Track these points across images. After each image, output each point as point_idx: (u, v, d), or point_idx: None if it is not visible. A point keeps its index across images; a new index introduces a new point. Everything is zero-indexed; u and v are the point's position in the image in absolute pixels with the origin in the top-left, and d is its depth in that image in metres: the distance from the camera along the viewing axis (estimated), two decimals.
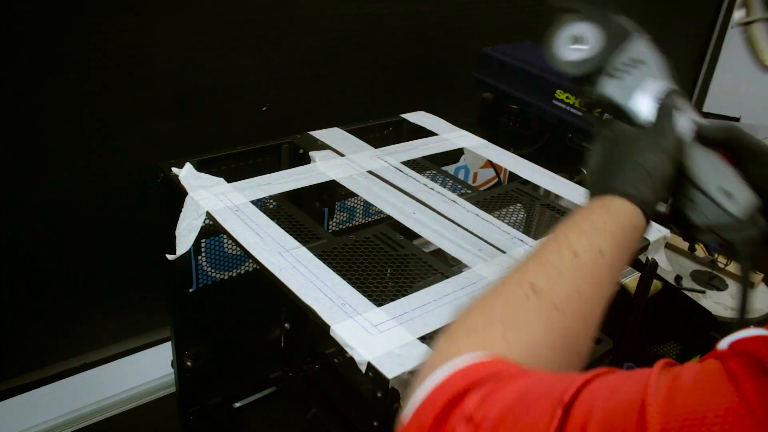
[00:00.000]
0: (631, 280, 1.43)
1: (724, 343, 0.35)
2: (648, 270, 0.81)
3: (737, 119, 1.74)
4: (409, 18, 1.26)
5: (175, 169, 0.82)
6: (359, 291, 0.62)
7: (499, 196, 0.88)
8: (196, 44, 1.03)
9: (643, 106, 0.59)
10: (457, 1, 1.32)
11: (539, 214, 0.87)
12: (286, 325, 1.16)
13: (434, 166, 0.94)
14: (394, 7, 1.23)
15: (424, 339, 0.57)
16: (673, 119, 0.57)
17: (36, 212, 0.99)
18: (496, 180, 1.25)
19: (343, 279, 0.64)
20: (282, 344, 1.18)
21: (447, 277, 0.67)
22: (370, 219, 1.15)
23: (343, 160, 0.91)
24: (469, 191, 0.89)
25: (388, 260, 0.70)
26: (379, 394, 0.53)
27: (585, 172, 0.62)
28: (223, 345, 1.08)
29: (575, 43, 0.60)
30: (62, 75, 0.92)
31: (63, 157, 0.97)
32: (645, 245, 0.79)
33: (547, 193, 0.98)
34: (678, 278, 1.43)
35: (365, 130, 1.01)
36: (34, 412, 1.06)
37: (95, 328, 1.14)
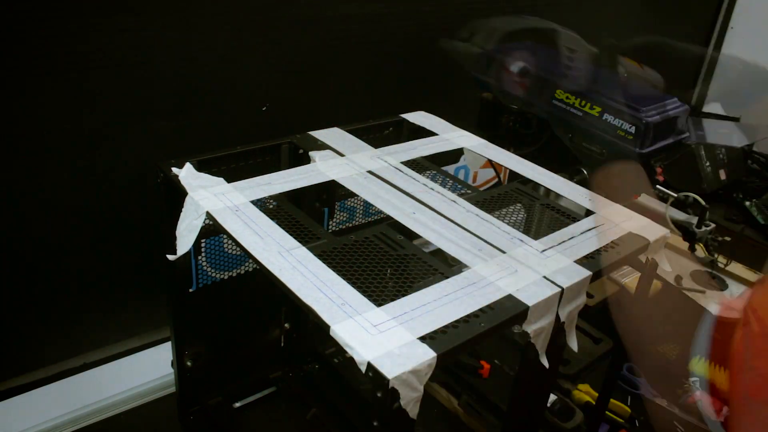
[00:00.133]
0: (631, 280, 1.43)
1: None
2: (648, 270, 0.81)
3: (737, 119, 1.74)
4: (409, 18, 1.26)
5: (175, 169, 0.82)
6: (359, 291, 0.62)
7: (499, 196, 0.88)
8: (196, 44, 1.03)
9: None
10: (457, 1, 1.32)
11: (539, 214, 0.87)
12: (286, 325, 1.16)
13: (434, 166, 0.94)
14: (394, 7, 1.23)
15: (423, 339, 0.57)
16: None
17: (36, 212, 0.99)
18: (496, 180, 1.25)
19: (343, 279, 0.64)
20: (282, 344, 1.18)
21: (447, 277, 0.67)
22: (370, 219, 1.15)
23: (343, 160, 0.91)
24: (469, 191, 0.89)
25: (388, 260, 0.70)
26: (379, 394, 0.53)
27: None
28: (223, 345, 1.08)
29: (521, 73, 0.70)
30: (62, 75, 0.92)
31: (63, 157, 0.97)
32: (645, 245, 0.79)
33: (547, 193, 0.99)
34: (678, 278, 1.43)
35: (365, 130, 1.01)
36: (34, 412, 1.06)
37: (95, 328, 1.14)
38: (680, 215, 0.87)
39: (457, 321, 0.60)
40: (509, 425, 0.87)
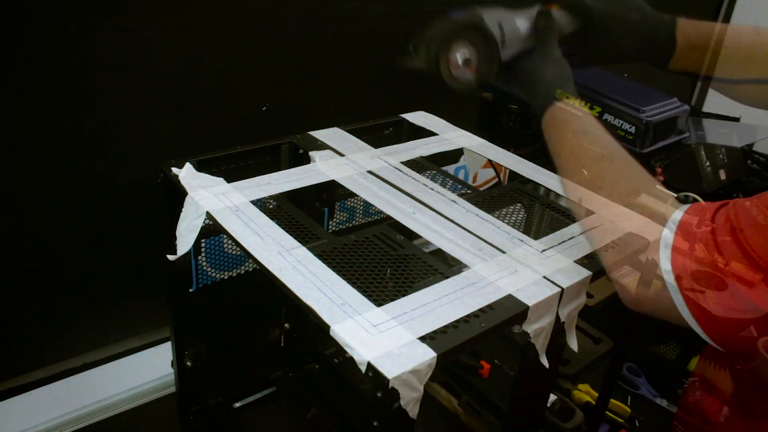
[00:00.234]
0: (631, 280, 1.43)
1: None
2: (648, 270, 0.80)
3: (737, 119, 1.74)
4: (409, 18, 1.26)
5: (175, 169, 0.82)
6: (359, 291, 0.63)
7: (499, 196, 0.88)
8: (196, 44, 1.03)
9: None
10: (457, 1, 1.32)
11: (539, 214, 0.87)
12: (286, 325, 1.16)
13: (434, 166, 0.94)
14: (394, 7, 1.23)
15: (423, 339, 0.57)
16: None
17: (36, 212, 0.99)
18: (496, 180, 1.25)
19: (343, 279, 0.64)
20: (282, 344, 1.18)
21: (447, 277, 0.67)
22: (370, 219, 1.15)
23: (343, 160, 0.91)
24: (469, 191, 0.89)
25: (388, 260, 0.70)
26: (379, 394, 0.53)
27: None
28: (223, 345, 1.08)
29: (464, 65, 0.76)
30: (62, 75, 0.92)
31: (63, 157, 0.97)
32: (645, 245, 0.79)
33: (547, 192, 0.99)
34: (658, 317, 1.43)
35: (365, 130, 1.01)
36: (34, 412, 1.06)
37: (95, 328, 1.14)
38: None
39: (457, 321, 0.60)
40: (509, 425, 0.87)
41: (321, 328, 0.58)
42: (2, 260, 0.99)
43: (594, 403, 1.19)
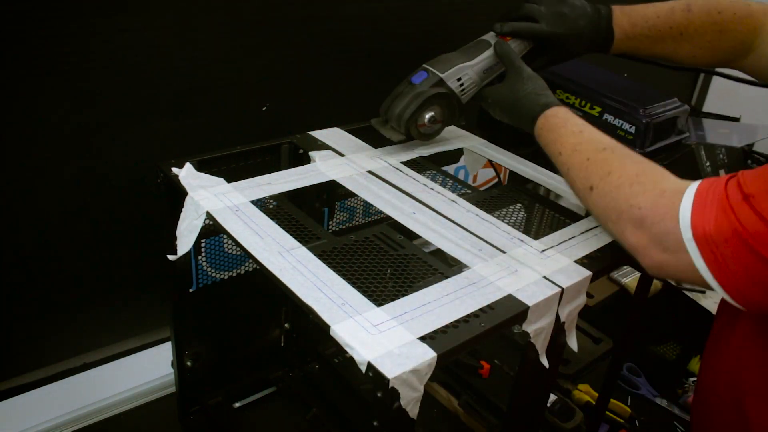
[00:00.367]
0: (631, 280, 1.43)
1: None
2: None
3: (737, 119, 1.74)
4: (409, 18, 1.26)
5: (175, 169, 0.82)
6: (359, 291, 0.63)
7: (499, 196, 0.88)
8: (196, 44, 1.03)
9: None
10: (457, 1, 1.32)
11: (539, 214, 0.88)
12: (286, 325, 1.16)
13: (434, 166, 0.94)
14: (394, 7, 1.23)
15: (424, 339, 0.57)
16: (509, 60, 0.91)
17: (36, 212, 0.99)
18: (496, 180, 1.25)
19: (343, 279, 0.64)
20: (282, 344, 1.18)
21: (447, 277, 0.67)
22: (369, 219, 1.15)
23: (343, 160, 0.91)
24: (469, 191, 0.89)
25: (388, 260, 0.70)
26: (379, 394, 0.53)
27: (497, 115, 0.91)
28: (223, 345, 1.08)
29: (432, 122, 0.92)
30: (62, 75, 0.92)
31: (62, 157, 0.97)
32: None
33: (547, 192, 0.99)
34: (682, 281, 1.43)
35: (365, 130, 1.01)
36: (34, 412, 1.06)
37: (95, 328, 1.14)
38: None
39: (457, 321, 0.60)
40: (509, 425, 0.87)
41: (321, 328, 0.58)
42: (2, 260, 0.99)
43: (594, 403, 1.20)
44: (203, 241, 0.96)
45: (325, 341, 1.16)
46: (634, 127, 0.93)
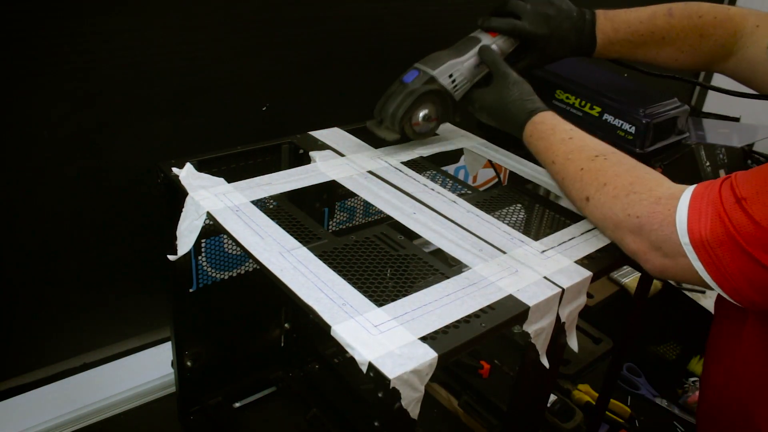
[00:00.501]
0: (631, 280, 1.44)
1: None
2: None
3: (737, 119, 1.74)
4: (409, 18, 1.26)
5: (175, 170, 0.82)
6: (360, 291, 0.63)
7: (499, 196, 0.88)
8: (196, 44, 1.03)
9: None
10: (457, 1, 1.32)
11: (539, 215, 0.87)
12: (286, 325, 1.16)
13: (434, 166, 0.94)
14: (394, 7, 1.23)
15: (424, 339, 0.57)
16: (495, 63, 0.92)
17: (36, 212, 0.98)
18: (496, 180, 1.25)
19: (344, 279, 0.64)
20: (282, 344, 1.18)
21: (447, 278, 0.67)
22: (370, 219, 1.15)
23: (343, 160, 0.91)
24: (469, 191, 0.89)
25: (388, 260, 0.70)
26: (380, 394, 0.53)
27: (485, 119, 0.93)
28: (223, 345, 1.08)
29: (426, 120, 0.91)
30: (62, 75, 0.92)
31: (62, 157, 0.97)
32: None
33: (548, 193, 0.99)
34: (684, 283, 1.43)
35: (365, 130, 1.01)
36: (34, 412, 1.06)
37: (95, 328, 1.14)
38: None
39: (457, 321, 0.60)
40: (509, 425, 0.87)
41: (321, 328, 0.58)
42: (2, 260, 0.99)
43: (594, 403, 1.20)
44: (203, 241, 0.96)
45: (325, 341, 1.16)
46: (634, 127, 0.93)
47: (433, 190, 0.85)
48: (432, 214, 0.79)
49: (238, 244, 0.69)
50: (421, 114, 0.90)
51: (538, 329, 0.66)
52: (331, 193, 1.06)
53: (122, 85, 0.98)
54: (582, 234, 0.78)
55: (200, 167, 0.84)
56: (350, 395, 1.11)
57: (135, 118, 1.01)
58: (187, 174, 0.81)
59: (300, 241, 0.70)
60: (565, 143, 0.79)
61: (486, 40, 0.93)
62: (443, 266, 0.69)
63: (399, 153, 0.94)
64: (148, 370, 1.16)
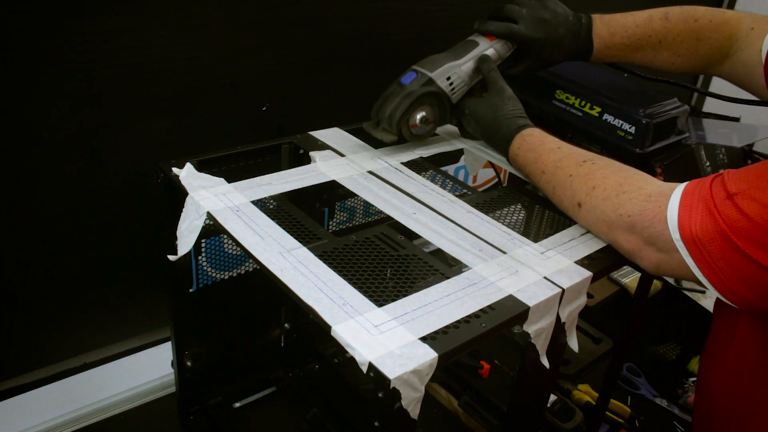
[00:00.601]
0: (631, 280, 1.44)
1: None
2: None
3: (737, 119, 1.74)
4: (409, 18, 1.26)
5: (175, 170, 0.82)
6: (360, 291, 0.63)
7: (499, 196, 0.88)
8: (196, 44, 1.03)
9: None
10: (458, 1, 1.32)
11: (539, 215, 0.88)
12: (286, 325, 1.16)
13: (434, 166, 0.94)
14: (394, 7, 1.23)
15: (425, 339, 0.57)
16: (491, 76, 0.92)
17: (36, 211, 0.99)
18: (496, 180, 1.25)
19: (344, 279, 0.64)
20: (282, 344, 1.18)
21: (447, 278, 0.67)
22: (369, 219, 1.15)
23: (344, 160, 0.91)
24: (469, 192, 0.89)
25: (388, 260, 0.70)
26: (380, 395, 0.53)
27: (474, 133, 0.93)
28: (223, 345, 1.08)
29: (423, 122, 0.91)
30: (62, 75, 0.92)
31: (63, 157, 0.97)
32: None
33: None
34: (679, 279, 1.43)
35: (365, 131, 1.01)
36: (34, 412, 1.06)
37: (95, 328, 1.14)
38: None
39: (458, 321, 0.60)
40: (509, 425, 0.87)
41: (321, 328, 0.58)
42: (2, 260, 0.99)
43: (594, 403, 1.20)
44: (203, 241, 0.96)
45: (325, 341, 1.16)
46: (634, 127, 0.93)
47: (433, 190, 0.85)
48: (432, 214, 0.79)
49: (238, 244, 0.69)
50: (419, 116, 0.90)
51: (538, 329, 0.66)
52: (331, 193, 1.06)
53: (122, 85, 0.98)
54: (582, 235, 0.78)
55: (200, 167, 0.84)
56: (350, 395, 1.11)
57: (135, 118, 1.02)
58: (187, 174, 0.81)
59: (300, 241, 0.70)
60: (553, 152, 0.80)
61: (484, 44, 0.94)
62: (443, 266, 0.69)
63: (399, 153, 0.94)
64: (148, 370, 1.16)
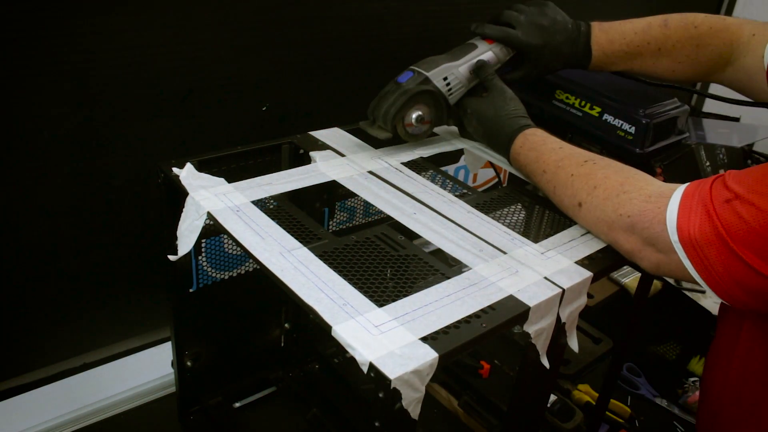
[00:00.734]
0: (631, 280, 1.44)
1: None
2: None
3: (737, 119, 1.74)
4: (409, 18, 1.26)
5: (175, 170, 0.82)
6: (360, 291, 0.63)
7: (499, 197, 0.88)
8: (197, 44, 1.03)
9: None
10: (458, 2, 1.32)
11: (539, 215, 0.88)
12: (286, 325, 1.16)
13: (434, 166, 0.94)
14: (394, 7, 1.23)
15: (425, 339, 0.57)
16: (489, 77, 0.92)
17: (36, 212, 0.98)
18: (496, 180, 1.25)
19: (345, 279, 0.64)
20: (282, 344, 1.18)
21: (448, 278, 0.67)
22: (369, 219, 1.15)
23: (344, 160, 0.91)
24: (470, 192, 0.89)
25: (389, 260, 0.70)
26: (380, 395, 0.53)
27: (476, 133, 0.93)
28: (223, 345, 1.08)
29: (419, 122, 0.91)
30: (62, 75, 0.92)
31: (62, 157, 0.97)
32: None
33: None
34: (678, 279, 1.43)
35: (361, 128, 1.01)
36: (34, 412, 1.06)
37: (95, 328, 1.14)
38: None
39: (458, 321, 0.60)
40: (509, 425, 0.87)
41: (321, 328, 0.58)
42: (2, 260, 0.99)
43: (594, 403, 1.20)
44: (203, 241, 0.96)
45: (325, 341, 1.16)
46: (634, 127, 0.93)
47: (433, 190, 0.85)
48: (432, 214, 0.79)
49: (238, 244, 0.69)
50: (414, 115, 0.90)
51: (538, 329, 0.66)
52: (332, 193, 1.06)
53: (122, 85, 0.98)
54: (582, 235, 0.78)
55: (200, 167, 0.84)
56: (350, 395, 1.11)
57: (135, 118, 1.02)
58: (187, 174, 0.81)
59: (300, 241, 0.70)
60: (555, 152, 0.80)
61: (483, 47, 0.94)
62: (443, 266, 0.69)
63: (399, 153, 0.94)
64: (148, 370, 1.16)
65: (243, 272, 1.04)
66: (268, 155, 0.96)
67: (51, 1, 0.88)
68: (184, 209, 0.77)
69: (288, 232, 0.72)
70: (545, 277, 0.69)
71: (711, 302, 1.38)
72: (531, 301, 0.64)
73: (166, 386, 1.15)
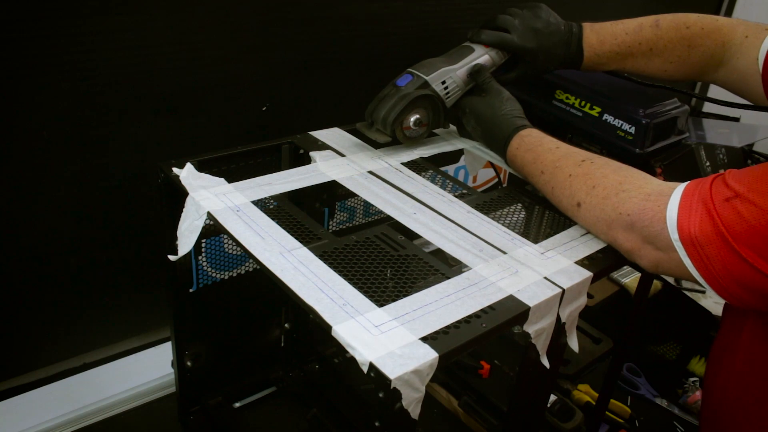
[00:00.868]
0: (631, 280, 1.44)
1: None
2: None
3: (737, 119, 1.74)
4: (409, 18, 1.26)
5: (175, 170, 0.82)
6: (360, 291, 0.63)
7: (499, 197, 0.88)
8: (197, 44, 1.03)
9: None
10: (457, 2, 1.32)
11: (539, 215, 0.87)
12: (286, 325, 1.16)
13: (434, 166, 0.94)
14: (394, 7, 1.23)
15: (425, 339, 0.57)
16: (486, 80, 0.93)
17: (36, 212, 0.99)
18: (496, 180, 1.25)
19: (345, 279, 0.64)
20: (282, 344, 1.18)
21: (448, 278, 0.67)
22: (369, 219, 1.15)
23: (344, 160, 0.91)
24: (469, 192, 0.89)
25: (389, 260, 0.70)
26: (380, 395, 0.53)
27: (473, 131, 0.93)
28: (223, 345, 1.08)
29: (417, 125, 0.92)
30: (62, 75, 0.92)
31: (63, 157, 0.97)
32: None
33: None
34: (678, 278, 1.43)
35: (359, 130, 1.01)
36: (34, 412, 1.06)
37: (95, 328, 1.14)
38: None
39: (458, 321, 0.60)
40: (509, 425, 0.87)
41: (321, 328, 0.58)
42: (2, 260, 0.99)
43: (594, 403, 1.20)
44: (203, 241, 0.96)
45: (325, 341, 1.16)
46: (634, 127, 0.93)
47: (433, 190, 0.85)
48: (432, 214, 0.79)
49: (238, 244, 0.69)
50: (413, 119, 0.91)
51: (538, 329, 0.66)
52: (332, 193, 1.06)
53: (122, 85, 0.98)
54: (582, 235, 0.78)
55: (200, 167, 0.84)
56: (350, 395, 1.11)
57: (135, 118, 1.02)
58: (187, 174, 0.81)
59: (300, 241, 0.70)
60: (552, 152, 0.81)
61: (479, 50, 0.95)
62: (443, 266, 0.69)
63: (399, 153, 0.94)
64: (148, 370, 1.16)
65: (243, 272, 1.04)
66: (268, 155, 0.96)
67: (51, 1, 0.88)
68: (184, 209, 0.77)
69: (288, 232, 0.72)
70: (545, 277, 0.69)
71: (711, 302, 1.38)
72: (531, 301, 0.64)
73: (166, 386, 1.15)
